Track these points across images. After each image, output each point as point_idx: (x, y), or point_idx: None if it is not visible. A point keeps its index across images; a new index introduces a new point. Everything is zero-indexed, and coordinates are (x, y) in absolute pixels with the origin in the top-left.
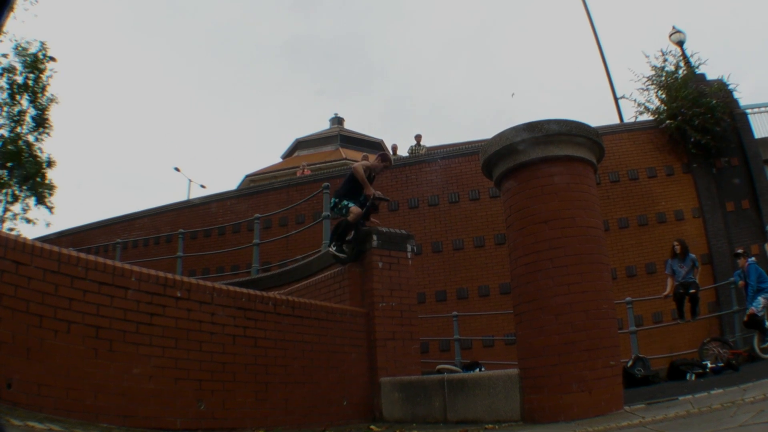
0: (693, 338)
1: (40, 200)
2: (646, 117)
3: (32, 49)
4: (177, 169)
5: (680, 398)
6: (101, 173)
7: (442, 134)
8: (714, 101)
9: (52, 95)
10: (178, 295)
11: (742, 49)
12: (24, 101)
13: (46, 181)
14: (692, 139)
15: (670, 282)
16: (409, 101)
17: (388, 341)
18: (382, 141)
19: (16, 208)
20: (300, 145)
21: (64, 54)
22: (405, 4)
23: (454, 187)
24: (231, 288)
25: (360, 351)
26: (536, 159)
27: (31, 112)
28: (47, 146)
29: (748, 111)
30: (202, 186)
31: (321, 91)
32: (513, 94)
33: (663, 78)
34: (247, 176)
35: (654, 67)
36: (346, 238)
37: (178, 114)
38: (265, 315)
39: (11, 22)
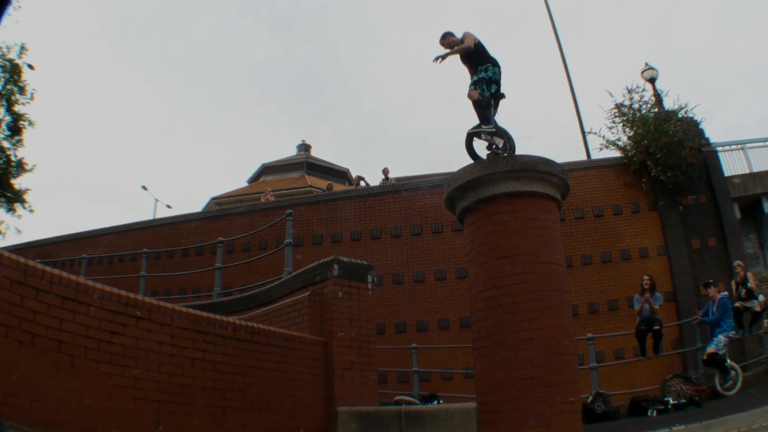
0: (655, 374)
1: (10, 207)
2: (613, 153)
3: (11, 54)
4: (144, 188)
5: None
6: (67, 183)
7: (412, 165)
8: (680, 132)
9: (32, 92)
10: (139, 315)
11: (714, 88)
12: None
13: (15, 188)
14: (658, 176)
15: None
16: (381, 131)
17: (346, 371)
18: (348, 170)
19: None
20: (266, 170)
21: (41, 59)
22: (382, 35)
23: (417, 220)
24: (191, 311)
25: (318, 380)
26: (499, 194)
27: (7, 119)
28: (22, 153)
29: (719, 149)
30: (168, 206)
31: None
32: None
33: (630, 114)
34: (212, 199)
35: (619, 105)
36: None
37: (146, 130)
38: (224, 340)
39: None
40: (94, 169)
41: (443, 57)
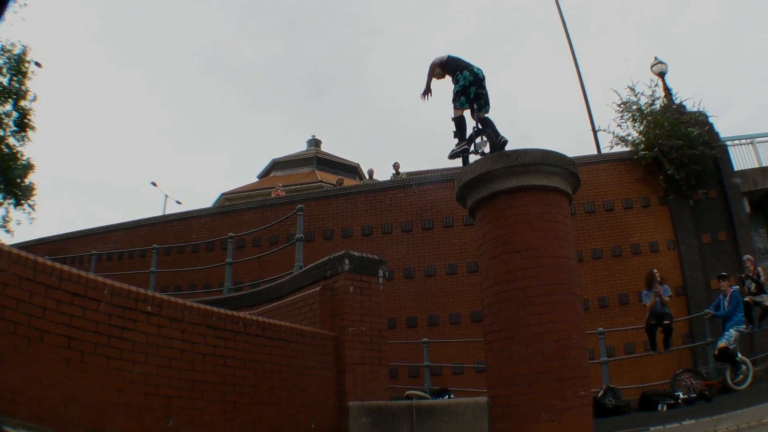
0: (665, 369)
1: (19, 203)
2: (623, 148)
3: (16, 51)
4: (154, 184)
5: (651, 428)
6: (76, 181)
7: (423, 159)
8: (695, 131)
9: (35, 96)
10: (149, 310)
11: (724, 83)
12: (8, 104)
13: (26, 184)
14: (668, 172)
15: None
16: (391, 126)
17: (357, 365)
18: (358, 165)
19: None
20: (276, 165)
21: (47, 59)
22: (392, 29)
23: (428, 214)
24: (202, 306)
25: (329, 374)
26: (511, 188)
27: (14, 115)
28: (28, 150)
29: (728, 143)
30: (178, 202)
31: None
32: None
33: (640, 109)
34: (222, 194)
35: (625, 102)
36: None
37: (156, 128)
38: (235, 335)
39: None
40: (103, 167)
41: (427, 91)
